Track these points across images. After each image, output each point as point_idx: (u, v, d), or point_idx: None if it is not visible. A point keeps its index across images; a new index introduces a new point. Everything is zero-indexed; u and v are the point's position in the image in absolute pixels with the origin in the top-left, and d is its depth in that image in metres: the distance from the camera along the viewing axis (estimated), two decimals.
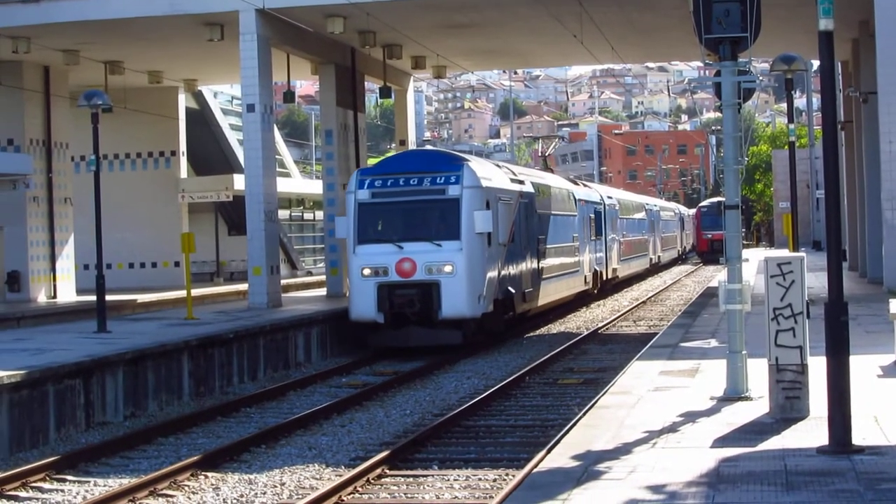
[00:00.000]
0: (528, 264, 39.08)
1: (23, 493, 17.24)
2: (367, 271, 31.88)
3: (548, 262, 42.38)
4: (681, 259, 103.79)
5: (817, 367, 14.44)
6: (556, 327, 43.24)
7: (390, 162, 35.49)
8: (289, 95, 48.50)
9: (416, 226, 33.02)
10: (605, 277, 56.95)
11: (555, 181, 49.59)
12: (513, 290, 35.94)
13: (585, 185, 60.93)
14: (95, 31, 40.80)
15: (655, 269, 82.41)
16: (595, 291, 54.57)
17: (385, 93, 49.56)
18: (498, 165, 40.65)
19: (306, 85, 46.33)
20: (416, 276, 31.49)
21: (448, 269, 31.25)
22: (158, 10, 39.13)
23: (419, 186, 32.71)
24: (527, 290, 38.51)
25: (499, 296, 34.17)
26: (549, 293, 42.87)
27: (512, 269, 36.22)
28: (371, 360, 34.10)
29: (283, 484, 17.25)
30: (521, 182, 39.54)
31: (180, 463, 18.13)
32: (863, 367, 17.58)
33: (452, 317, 31.52)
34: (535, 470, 14.00)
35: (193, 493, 16.86)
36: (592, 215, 54.14)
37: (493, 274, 33.57)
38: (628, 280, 68.07)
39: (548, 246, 42.56)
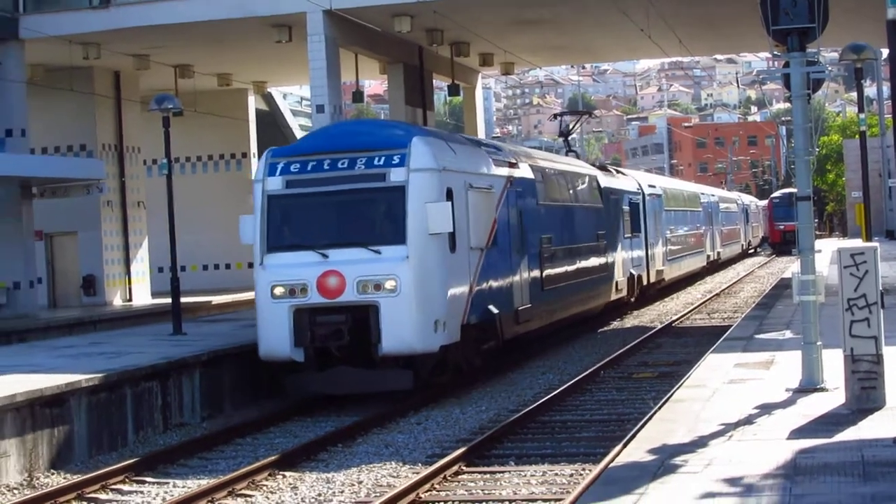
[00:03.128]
0: (524, 273, 29.09)
1: (102, 496, 17.33)
2: (278, 290, 22.54)
3: (556, 268, 32.39)
4: (745, 255, 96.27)
5: (893, 357, 14.38)
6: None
7: (314, 139, 25.72)
8: (358, 95, 48.68)
9: (345, 225, 23.44)
10: (646, 282, 47.46)
11: (570, 165, 38.43)
12: (496, 310, 25.98)
13: (619, 172, 50.13)
14: (164, 36, 41.14)
15: (714, 267, 72.40)
16: (632, 299, 44.79)
17: (453, 90, 49.67)
18: (476, 141, 31.12)
19: (375, 84, 46.50)
20: (344, 297, 22.16)
21: (390, 284, 21.99)
22: (226, 14, 39.48)
23: (351, 171, 23.04)
24: (521, 307, 28.36)
25: (471, 319, 24.54)
26: (559, 308, 32.99)
27: (495, 282, 26.46)
28: None
29: (360, 482, 17.27)
30: (513, 164, 29.46)
31: (258, 463, 18.19)
32: None
33: (397, 352, 22.25)
34: (611, 465, 14.01)
35: (272, 492, 16.95)
36: (627, 207, 44.26)
37: (459, 290, 23.96)
38: (679, 283, 58.36)
39: (556, 247, 32.55)
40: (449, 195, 23.68)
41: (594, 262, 37.69)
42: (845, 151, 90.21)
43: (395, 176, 22.82)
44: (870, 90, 64.60)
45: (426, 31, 42.48)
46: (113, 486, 17.69)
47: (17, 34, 40.64)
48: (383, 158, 23.09)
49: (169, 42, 42.05)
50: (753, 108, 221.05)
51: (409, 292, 22.27)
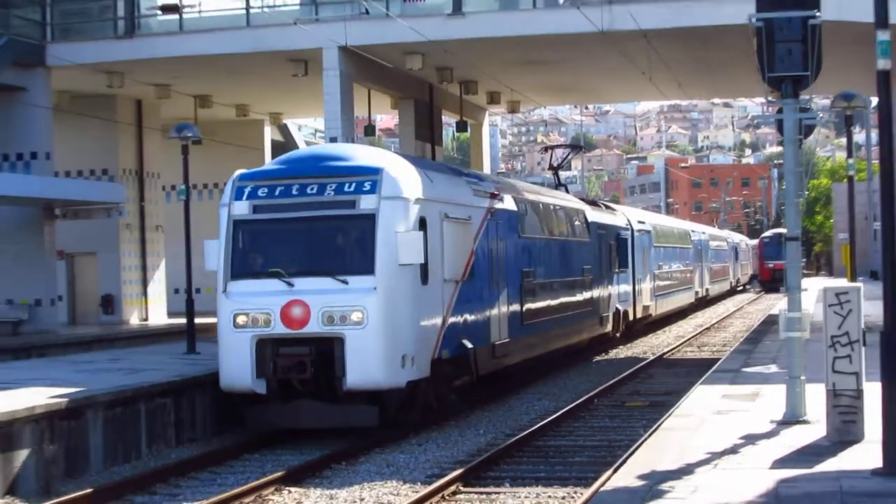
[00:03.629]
0: (503, 307, 26.92)
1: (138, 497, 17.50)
2: (241, 319, 20.60)
3: (537, 302, 30.19)
4: (734, 292, 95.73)
5: (873, 393, 14.44)
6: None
7: (283, 163, 23.21)
8: (370, 129, 48.68)
9: (313, 254, 21.52)
10: (633, 317, 45.06)
11: (556, 198, 36.00)
12: (470, 345, 23.95)
13: (608, 207, 48.37)
14: (185, 67, 41.34)
15: (702, 303, 71.12)
16: (617, 335, 42.55)
17: (461, 127, 49.75)
18: (457, 171, 28.66)
19: (386, 119, 46.68)
20: (309, 328, 20.34)
21: (356, 316, 20.10)
22: (245, 47, 39.64)
23: (320, 197, 21.10)
24: (499, 341, 26.30)
25: (443, 353, 22.57)
26: (540, 343, 30.80)
27: (470, 315, 24.45)
28: None
29: (362, 499, 17.26)
30: (494, 196, 27.22)
31: (265, 478, 18.19)
32: None
33: (362, 387, 20.40)
34: (601, 489, 14.10)
35: None
36: (614, 242, 42.08)
37: (430, 323, 22.00)
38: (667, 318, 56.10)
39: (538, 281, 30.40)
40: (422, 225, 21.67)
41: (579, 296, 35.61)
42: (834, 195, 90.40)
43: (366, 203, 20.71)
44: (859, 136, 64.79)
45: (436, 69, 42.65)
46: (126, 497, 17.81)
47: (44, 61, 40.81)
48: (354, 185, 21.01)
49: (190, 73, 42.27)
50: (747, 151, 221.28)
51: (376, 325, 20.29)
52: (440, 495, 17.12)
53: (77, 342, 37.78)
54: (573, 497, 16.51)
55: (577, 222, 36.61)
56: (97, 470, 19.89)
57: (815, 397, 16.78)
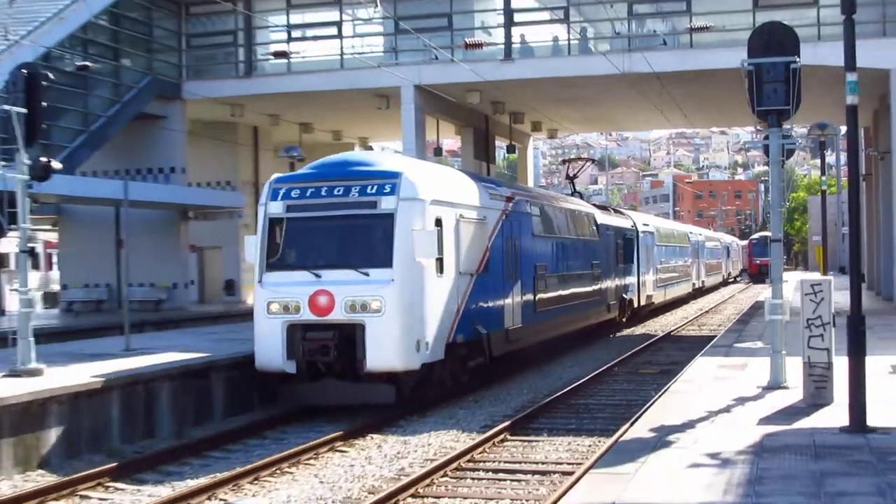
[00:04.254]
0: (516, 296, 25.12)
1: (253, 440, 17.65)
2: (274, 307, 19.21)
3: (549, 293, 28.11)
4: (726, 283, 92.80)
5: (841, 365, 14.35)
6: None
7: (315, 167, 21.27)
8: (438, 151, 48.52)
9: (338, 249, 19.93)
10: (637, 305, 42.88)
11: (567, 203, 34.09)
12: (484, 330, 22.36)
13: (617, 212, 45.33)
14: (292, 101, 41.54)
15: (699, 293, 67.77)
16: (623, 320, 40.41)
17: (511, 149, 49.52)
18: (476, 177, 26.30)
19: (451, 142, 46.18)
20: (333, 315, 18.80)
21: (375, 305, 18.58)
22: (340, 86, 39.75)
23: (345, 198, 19.59)
24: (512, 326, 24.59)
25: (458, 338, 20.91)
26: (551, 328, 28.80)
27: (484, 304, 22.70)
28: None
29: (429, 444, 17.39)
30: (510, 199, 25.57)
31: (358, 424, 18.57)
32: (876, 366, 17.34)
33: (380, 369, 18.80)
34: (620, 439, 14.05)
35: (363, 448, 17.14)
36: (621, 241, 39.75)
37: (445, 312, 20.25)
38: (668, 305, 53.67)
39: (550, 274, 28.44)
40: (438, 223, 20.01)
41: (587, 287, 33.44)
42: (809, 205, 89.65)
43: (386, 204, 19.06)
44: (830, 158, 64.13)
45: (491, 103, 42.62)
46: (242, 440, 17.95)
47: (180, 95, 41.24)
48: (375, 187, 19.35)
49: (295, 106, 42.46)
50: (739, 170, 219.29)
51: (392, 313, 18.58)
52: (491, 442, 17.21)
53: (205, 317, 38.02)
54: (598, 445, 16.51)
55: (586, 224, 34.48)
56: (218, 420, 19.98)
57: (794, 368, 16.65)
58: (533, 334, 26.50)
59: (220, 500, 13.63)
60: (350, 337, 18.65)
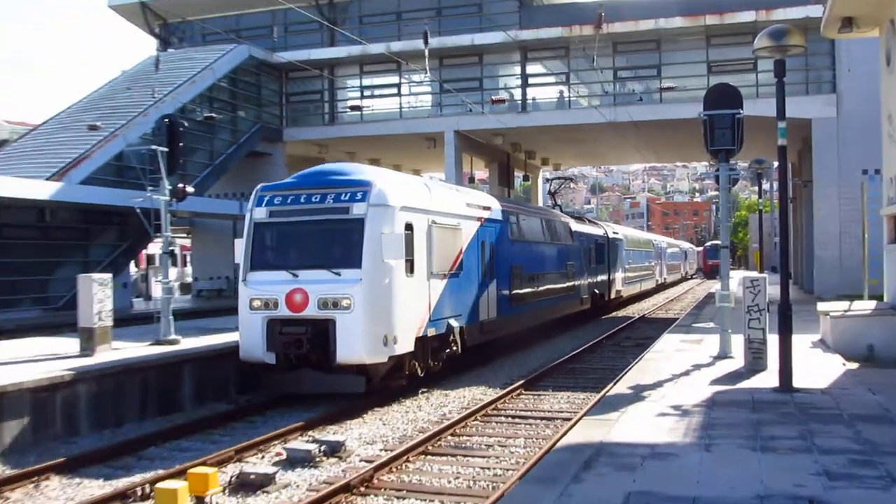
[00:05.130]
0: (492, 293, 22.05)
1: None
2: (256, 303, 16.61)
3: (524, 289, 25.11)
4: (684, 279, 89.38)
5: (773, 341, 14.25)
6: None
7: (298, 177, 18.43)
8: (471, 180, 48.51)
9: (314, 250, 17.15)
10: (608, 298, 39.37)
11: (543, 213, 30.86)
12: (457, 324, 19.32)
13: (591, 222, 41.12)
14: (364, 142, 41.80)
15: (662, 287, 64.44)
16: (598, 308, 37.30)
17: (525, 178, 49.48)
18: (455, 189, 23.27)
19: (481, 173, 46.07)
20: (307, 312, 16.28)
21: (345, 303, 16.05)
22: (399, 131, 39.98)
23: (322, 204, 17.05)
24: (487, 319, 21.61)
25: (428, 332, 17.93)
26: (527, 319, 25.67)
27: (459, 300, 19.71)
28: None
29: (464, 397, 17.49)
30: (487, 208, 22.56)
31: (413, 383, 18.40)
32: (800, 342, 17.24)
33: (349, 362, 16.10)
34: (607, 394, 14.03)
35: (415, 399, 17.18)
36: (593, 246, 36.17)
37: (415, 308, 17.33)
38: (636, 297, 50.56)
39: (526, 273, 25.29)
40: (409, 228, 17.14)
41: (562, 284, 30.21)
42: (750, 221, 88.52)
43: (357, 210, 16.37)
44: (766, 185, 63.70)
45: (511, 144, 42.66)
46: (294, 406, 17.94)
47: (281, 138, 41.53)
48: (348, 195, 16.59)
49: (367, 146, 42.67)
50: (697, 194, 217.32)
51: (360, 310, 15.79)
52: (510, 395, 17.27)
53: None
54: (590, 399, 16.46)
55: (561, 231, 31.15)
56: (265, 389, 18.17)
57: (737, 343, 16.55)
58: (510, 325, 23.61)
59: (309, 436, 13.71)
60: (323, 331, 15.83)
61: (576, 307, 32.59)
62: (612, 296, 40.65)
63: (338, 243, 16.53)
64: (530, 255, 26.12)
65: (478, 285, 21.07)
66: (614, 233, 43.51)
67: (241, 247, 17.15)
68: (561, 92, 39.50)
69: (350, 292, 15.72)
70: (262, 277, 16.57)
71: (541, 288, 27.05)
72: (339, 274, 16.00)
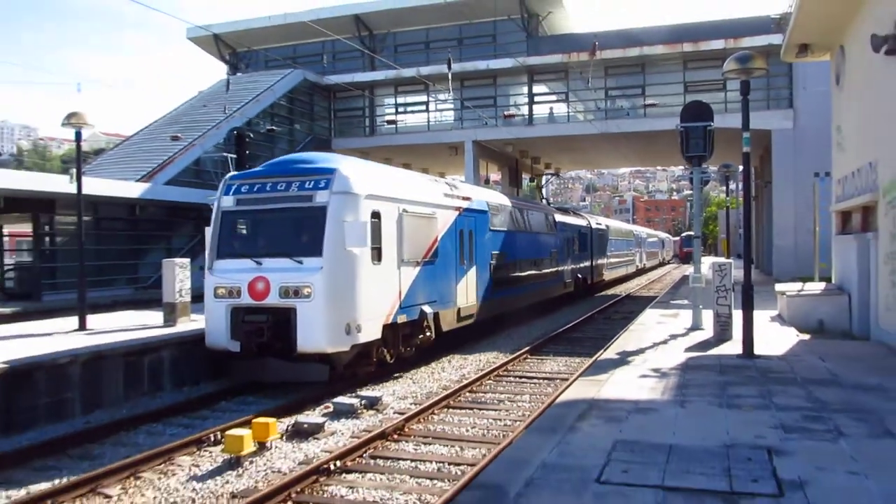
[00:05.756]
0: (472, 280, 19.40)
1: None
2: (220, 291, 14.11)
3: (507, 275, 22.37)
4: (662, 264, 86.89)
5: (737, 316, 14.11)
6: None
7: (266, 166, 15.80)
8: (487, 181, 48.29)
9: (278, 238, 14.51)
10: (590, 282, 36.39)
11: (528, 205, 26.94)
12: (431, 310, 16.70)
13: (576, 213, 37.57)
14: (398, 150, 41.70)
15: (642, 272, 61.49)
16: (581, 291, 34.18)
17: (532, 180, 49.28)
18: (434, 179, 19.68)
19: (495, 176, 45.86)
20: (268, 300, 13.78)
21: (306, 291, 13.57)
22: (427, 141, 39.85)
23: (286, 192, 14.52)
24: (465, 305, 18.84)
25: (398, 318, 15.32)
26: (509, 303, 22.81)
27: (433, 287, 16.95)
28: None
29: (480, 360, 17.40)
30: (467, 198, 19.78)
31: (441, 350, 18.31)
32: (760, 316, 17.06)
33: (310, 351, 13.60)
34: (598, 359, 13.95)
35: (439, 363, 17.07)
36: (576, 236, 33.05)
37: (382, 296, 14.84)
38: (618, 280, 47.80)
39: (508, 261, 22.47)
40: (376, 216, 14.57)
41: (545, 270, 27.27)
42: (719, 215, 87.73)
43: (320, 198, 13.80)
44: (733, 185, 63.21)
45: (519, 151, 42.50)
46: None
47: (330, 147, 41.37)
48: (312, 183, 14.02)
49: (400, 153, 42.53)
50: (675, 193, 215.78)
51: (321, 298, 13.22)
52: (518, 359, 17.18)
53: None
54: (584, 362, 16.35)
55: (545, 221, 27.79)
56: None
57: (707, 317, 16.44)
58: (490, 309, 20.83)
59: (356, 395, 13.71)
60: (284, 320, 13.37)
61: (559, 290, 29.82)
62: (596, 279, 38.21)
63: (301, 231, 13.96)
64: (512, 244, 23.13)
65: (455, 272, 18.30)
66: (597, 223, 40.43)
67: (208, 235, 14.68)
68: (559, 108, 39.26)
69: (310, 280, 13.26)
70: (228, 265, 14.09)
71: (523, 274, 24.23)
72: (300, 262, 13.51)
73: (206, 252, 14.41)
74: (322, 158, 14.95)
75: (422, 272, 16.39)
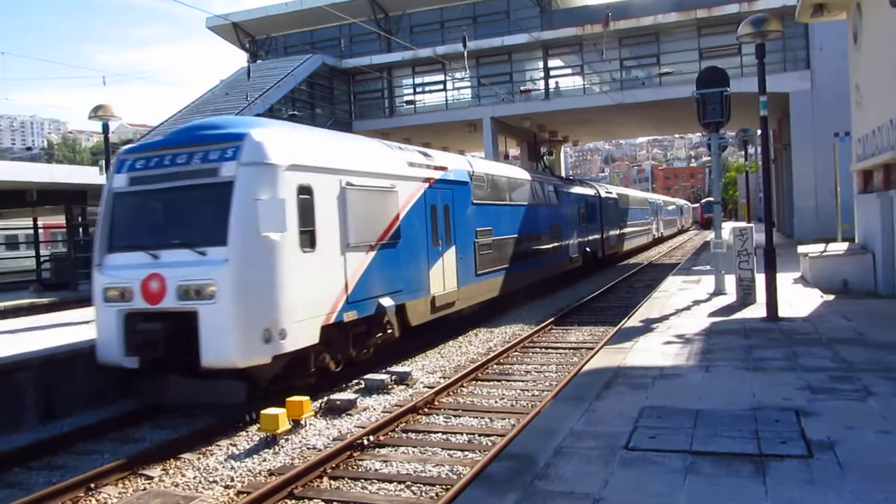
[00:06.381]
0: (450, 262, 16.13)
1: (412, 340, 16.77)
2: (111, 293, 10.39)
3: (494, 254, 18.85)
4: (681, 232, 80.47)
5: (760, 279, 13.91)
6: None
7: (169, 133, 11.45)
8: (506, 156, 48.08)
9: (176, 225, 10.49)
10: (601, 255, 32.85)
11: (520, 174, 22.41)
12: (391, 302, 13.37)
13: (583, 183, 33.30)
14: (418, 130, 41.43)
15: (658, 241, 56.96)
16: (593, 265, 31.42)
17: (549, 153, 48.75)
18: (395, 147, 15.31)
19: (513, 151, 45.49)
20: (165, 303, 10.01)
21: (210, 290, 9.75)
22: (445, 119, 39.47)
23: (188, 166, 10.40)
24: (442, 292, 15.58)
25: (345, 317, 11.86)
26: (498, 286, 19.24)
27: (396, 274, 13.77)
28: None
29: (506, 332, 17.33)
30: (441, 168, 16.26)
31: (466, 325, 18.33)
32: (783, 279, 16.81)
33: (217, 365, 9.80)
34: (622, 327, 13.84)
35: (466, 336, 17.01)
36: (583, 206, 29.42)
37: (319, 291, 11.20)
38: (633, 252, 44.05)
39: (496, 238, 19.00)
40: (306, 192, 11.11)
41: (546, 245, 23.61)
42: (738, 180, 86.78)
43: (226, 171, 10.24)
44: (751, 150, 62.32)
45: (537, 126, 42.11)
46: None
47: (351, 130, 41.11)
48: (218, 152, 10.47)
49: (420, 132, 42.32)
50: (693, 160, 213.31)
51: (227, 299, 9.87)
52: (543, 330, 17.09)
53: None
54: (608, 330, 16.26)
55: (543, 192, 23.77)
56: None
57: (730, 282, 16.26)
58: (476, 294, 17.57)
59: (387, 371, 13.71)
60: (182, 328, 10.06)
61: (564, 266, 26.12)
62: (607, 252, 34.60)
63: (203, 215, 10.40)
64: (502, 218, 19.61)
65: (427, 255, 14.93)
66: (607, 192, 36.49)
67: (98, 222, 11.37)
68: (576, 81, 38.79)
69: (214, 276, 9.93)
70: (119, 261, 10.82)
71: (516, 251, 20.63)
72: (203, 254, 10.15)
73: (95, 244, 11.21)
74: (235, 123, 11.39)
75: (378, 258, 12.94)
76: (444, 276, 15.80)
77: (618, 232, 37.95)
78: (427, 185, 15.20)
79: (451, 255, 16.23)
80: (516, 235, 20.76)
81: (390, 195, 13.69)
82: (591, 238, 30.94)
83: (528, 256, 21.72)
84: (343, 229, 11.95)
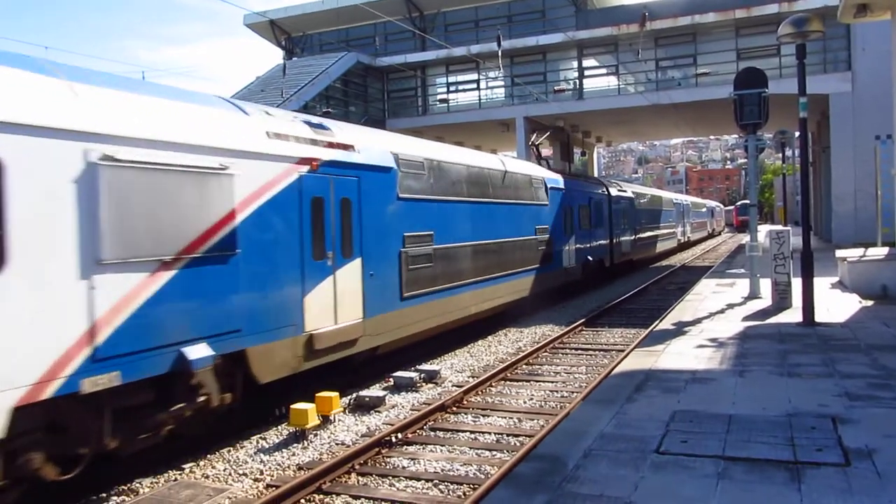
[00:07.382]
0: (348, 283, 10.87)
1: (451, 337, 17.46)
2: None
3: (431, 268, 13.52)
4: (711, 237, 74.48)
5: (796, 283, 13.66)
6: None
7: None
8: (538, 156, 47.93)
9: None
10: (609, 264, 27.66)
11: (491, 164, 17.05)
12: (209, 352, 7.96)
13: (588, 179, 29.27)
14: (451, 128, 41.41)
15: (684, 246, 51.00)
16: (588, 280, 25.09)
17: (583, 154, 48.65)
18: (238, 106, 9.38)
19: (546, 151, 44.98)
20: None
21: None
22: (478, 118, 39.38)
23: None
24: (330, 328, 10.29)
25: (77, 384, 6.38)
26: (437, 311, 13.89)
27: (218, 305, 8.20)
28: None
29: (536, 333, 17.21)
30: (345, 147, 10.91)
31: (496, 325, 18.36)
32: (820, 283, 16.53)
33: None
34: (654, 329, 13.68)
35: (496, 336, 16.86)
36: (585, 206, 24.38)
37: (6, 342, 5.48)
38: (652, 259, 38.79)
39: (445, 244, 14.10)
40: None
41: (523, 254, 18.45)
42: (775, 183, 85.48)
43: None
44: (789, 152, 61.32)
45: (570, 125, 41.78)
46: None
47: (385, 127, 41.09)
48: None
49: (453, 131, 42.28)
50: (729, 162, 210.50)
51: None
52: (573, 331, 16.96)
53: None
54: (640, 333, 16.10)
55: (526, 188, 18.89)
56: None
57: (765, 286, 16.00)
58: (401, 326, 12.66)
59: (415, 369, 13.70)
60: None
61: (552, 281, 20.90)
62: (617, 260, 29.03)
63: None
64: (452, 219, 14.72)
65: (301, 272, 10.04)
66: (619, 190, 30.86)
67: None
68: (610, 81, 38.49)
69: None
70: None
71: (477, 264, 15.75)
72: None
73: None
74: None
75: (182, 280, 8.04)
76: (337, 303, 10.80)
77: (632, 237, 32.29)
78: (307, 168, 10.18)
79: (351, 271, 11.19)
80: (476, 243, 15.74)
81: (216, 180, 8.52)
82: (595, 244, 25.82)
83: (493, 269, 16.65)
84: (89, 234, 7.05)
